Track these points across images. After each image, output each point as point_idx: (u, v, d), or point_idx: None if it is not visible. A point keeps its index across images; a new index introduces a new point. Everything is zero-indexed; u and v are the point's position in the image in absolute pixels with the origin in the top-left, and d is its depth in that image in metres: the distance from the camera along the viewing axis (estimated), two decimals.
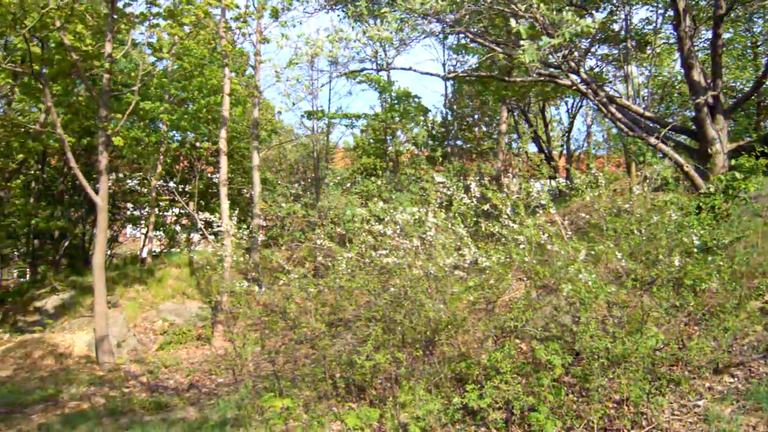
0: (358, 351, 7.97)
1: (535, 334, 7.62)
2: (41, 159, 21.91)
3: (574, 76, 12.39)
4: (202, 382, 12.18)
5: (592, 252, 8.08)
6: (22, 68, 14.09)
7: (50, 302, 17.75)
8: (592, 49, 17.78)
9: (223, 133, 16.46)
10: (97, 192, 13.99)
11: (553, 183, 9.74)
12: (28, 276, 25.33)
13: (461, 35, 16.03)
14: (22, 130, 16.59)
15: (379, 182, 11.54)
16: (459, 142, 25.28)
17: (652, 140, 11.48)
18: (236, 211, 13.59)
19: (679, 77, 20.84)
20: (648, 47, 18.89)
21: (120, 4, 14.28)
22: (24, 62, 14.50)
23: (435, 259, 8.07)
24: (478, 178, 9.61)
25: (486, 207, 9.07)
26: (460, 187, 9.03)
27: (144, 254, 23.30)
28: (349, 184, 17.89)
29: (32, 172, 22.03)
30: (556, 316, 7.84)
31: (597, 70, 19.49)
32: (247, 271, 11.75)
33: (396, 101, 22.40)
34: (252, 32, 17.35)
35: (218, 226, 13.21)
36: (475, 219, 8.87)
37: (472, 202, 8.81)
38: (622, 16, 17.16)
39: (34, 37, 13.62)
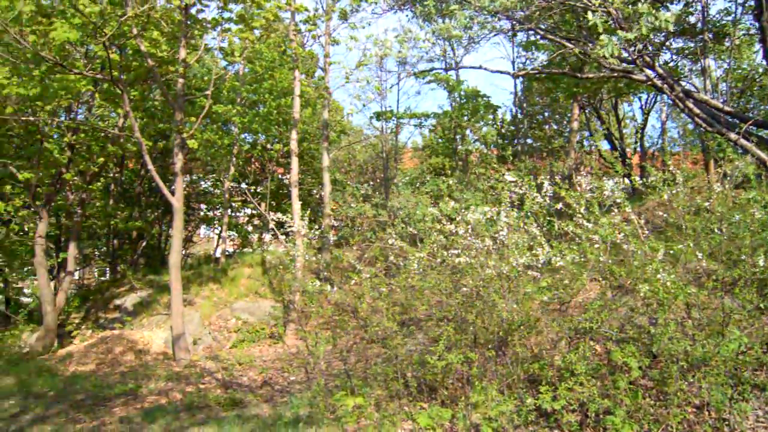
0: (430, 351, 7.95)
1: (610, 336, 7.46)
2: (120, 162, 22.68)
3: (649, 71, 12.05)
4: (275, 380, 12.34)
5: (671, 252, 7.85)
6: (102, 75, 14.59)
7: (129, 300, 18.36)
8: (668, 43, 17.26)
9: (294, 135, 16.68)
10: (173, 193, 14.37)
11: (627, 181, 9.53)
12: (108, 275, 26.28)
13: (530, 32, 15.82)
14: (102, 134, 17.17)
15: (450, 182, 11.45)
16: (529, 141, 24.97)
17: (732, 136, 11.06)
18: (308, 212, 13.73)
19: (761, 70, 20.04)
20: (726, 39, 18.22)
21: (193, 11, 14.62)
22: (104, 69, 15.02)
23: (507, 259, 7.99)
24: (549, 176, 9.48)
25: (559, 206, 8.93)
26: (533, 185, 8.92)
27: (218, 254, 23.83)
28: (418, 184, 17.86)
29: (111, 175, 22.82)
30: (632, 318, 7.67)
31: (672, 64, 18.92)
32: (318, 270, 11.89)
33: (464, 100, 22.30)
34: (321, 34, 17.54)
35: (290, 227, 13.38)
36: (548, 218, 8.75)
37: (545, 201, 8.68)
38: (699, 8, 16.61)
39: (112, 45, 14.09)
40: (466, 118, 22.02)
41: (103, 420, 10.14)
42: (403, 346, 8.48)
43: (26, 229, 18.89)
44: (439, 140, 25.67)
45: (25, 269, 23.97)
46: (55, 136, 17.68)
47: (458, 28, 11.79)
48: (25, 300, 25.30)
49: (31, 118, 15.88)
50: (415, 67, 20.62)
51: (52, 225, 18.82)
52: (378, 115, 23.45)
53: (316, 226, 14.41)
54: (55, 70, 14.45)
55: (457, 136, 23.87)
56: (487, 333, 8.00)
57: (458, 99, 22.28)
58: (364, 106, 21.39)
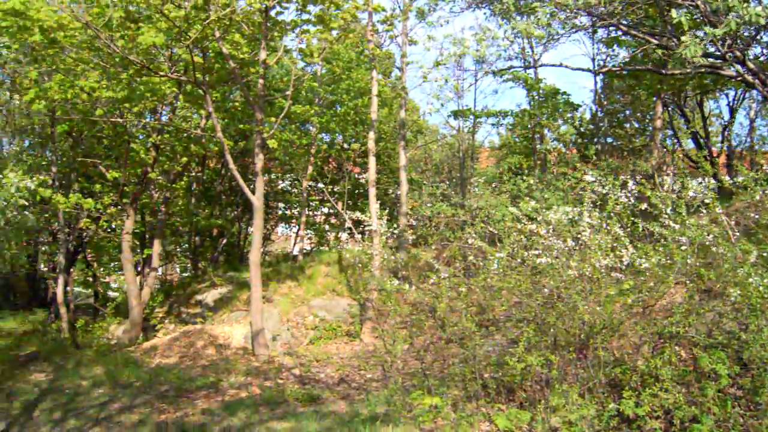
0: (510, 352, 7.86)
1: (697, 341, 7.21)
2: (201, 162, 23.31)
3: (739, 67, 11.60)
4: (352, 377, 12.45)
5: (764, 254, 7.53)
6: (186, 77, 15.00)
7: (210, 296, 18.83)
8: (758, 36, 16.55)
9: (372, 135, 16.78)
10: (253, 192, 14.66)
11: (713, 181, 9.19)
12: (189, 271, 27.06)
13: (612, 28, 15.43)
14: (185, 135, 17.67)
15: (531, 181, 11.29)
16: (609, 139, 24.38)
17: None
18: (386, 211, 13.79)
19: None
20: None
21: (272, 13, 14.87)
22: (187, 72, 15.44)
23: (590, 260, 7.82)
24: (631, 176, 9.22)
25: (643, 206, 8.69)
26: (616, 185, 8.71)
27: (296, 252, 24.19)
28: (494, 184, 17.70)
29: (193, 174, 23.47)
30: (720, 323, 7.39)
31: (763, 58, 18.10)
32: (396, 269, 11.92)
33: (543, 98, 21.97)
34: (398, 34, 17.57)
35: (367, 226, 13.46)
36: (631, 219, 8.53)
37: (629, 200, 8.45)
38: None
39: (196, 48, 14.47)
40: (545, 116, 21.65)
41: (186, 411, 10.46)
42: (481, 347, 8.42)
43: (113, 226, 19.64)
44: (516, 139, 25.37)
45: (112, 264, 24.97)
46: (141, 137, 18.33)
47: (539, 26, 11.63)
48: (111, 294, 26.33)
49: (119, 120, 16.49)
50: (494, 65, 20.47)
51: (137, 222, 19.49)
52: (455, 114, 23.36)
53: (395, 225, 14.49)
54: (141, 74, 14.95)
55: (536, 135, 23.53)
56: (568, 335, 7.85)
57: (537, 97, 21.96)
58: (442, 105, 21.38)
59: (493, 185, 16.77)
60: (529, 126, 22.85)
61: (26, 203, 15.02)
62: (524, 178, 11.93)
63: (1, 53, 16.70)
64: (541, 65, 18.72)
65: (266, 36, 14.73)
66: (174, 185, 19.16)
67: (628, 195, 8.54)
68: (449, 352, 9.52)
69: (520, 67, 21.69)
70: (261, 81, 14.95)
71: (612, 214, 8.44)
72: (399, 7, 17.72)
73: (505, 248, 8.68)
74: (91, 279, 23.86)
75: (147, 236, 22.07)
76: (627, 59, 20.35)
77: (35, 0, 14.57)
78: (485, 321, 9.24)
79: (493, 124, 24.63)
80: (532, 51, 22.82)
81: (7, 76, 18.25)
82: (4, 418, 10.59)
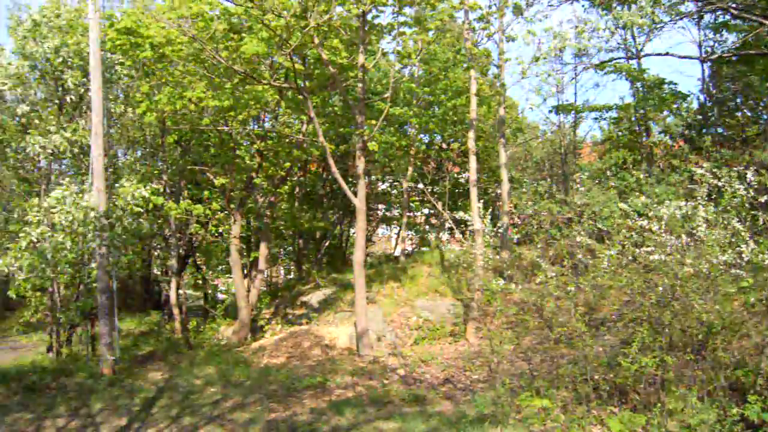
0: (623, 352, 7.60)
1: None
2: (303, 166, 23.77)
3: None
4: (457, 378, 12.38)
5: None
6: (288, 84, 15.34)
7: (314, 297, 19.18)
8: None
9: (472, 134, 16.63)
10: (355, 195, 14.82)
11: None
12: (293, 273, 27.67)
13: (718, 12, 14.70)
14: (287, 140, 18.07)
15: (640, 176, 10.89)
16: (719, 130, 23.22)
17: None
18: (489, 210, 13.66)
19: None
20: None
21: (369, 17, 14.99)
22: (287, 79, 15.79)
23: (706, 257, 7.45)
24: (746, 166, 8.71)
25: (763, 198, 8.20)
26: (732, 177, 8.26)
27: (397, 253, 24.30)
28: (597, 180, 17.18)
29: (296, 178, 23.98)
30: None
31: None
32: (501, 269, 11.77)
33: (646, 90, 21.18)
34: (495, 31, 17.34)
35: (469, 225, 13.36)
36: (751, 212, 8.07)
37: (749, 193, 8.00)
38: None
39: (296, 55, 14.78)
40: (650, 108, 20.85)
41: (295, 410, 10.68)
42: (591, 347, 8.18)
43: (221, 231, 20.33)
44: (619, 133, 24.56)
45: (220, 268, 25.82)
46: (246, 144, 18.89)
47: (643, 15, 11.23)
48: (219, 296, 27.25)
49: (225, 128, 17.05)
50: (595, 57, 19.90)
51: (243, 227, 20.07)
52: (557, 109, 22.86)
53: (499, 224, 14.29)
54: (245, 82, 15.41)
55: (639, 127, 22.71)
56: (684, 336, 7.52)
57: (641, 89, 21.19)
58: (544, 100, 20.82)
59: (597, 181, 16.27)
60: (633, 118, 22.08)
61: (141, 210, 15.77)
62: (632, 172, 11.51)
63: (116, 69, 17.58)
64: (644, 55, 18.06)
65: (364, 40, 14.86)
66: (278, 190, 19.63)
67: (747, 187, 8.07)
68: (557, 352, 9.31)
69: (623, 58, 20.98)
70: (360, 84, 15.09)
71: (729, 207, 8.02)
72: (495, 4, 17.49)
73: (614, 245, 8.40)
74: (200, 282, 24.76)
75: (252, 240, 22.70)
76: (737, 44, 19.36)
77: (145, 18, 15.31)
78: (594, 321, 8.97)
79: (595, 119, 23.91)
80: (635, 41, 22.06)
81: (121, 91, 19.19)
82: (126, 414, 11.15)
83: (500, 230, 16.10)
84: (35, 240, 14.02)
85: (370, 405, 10.73)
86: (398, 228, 25.00)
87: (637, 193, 9.04)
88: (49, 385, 13.43)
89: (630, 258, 8.18)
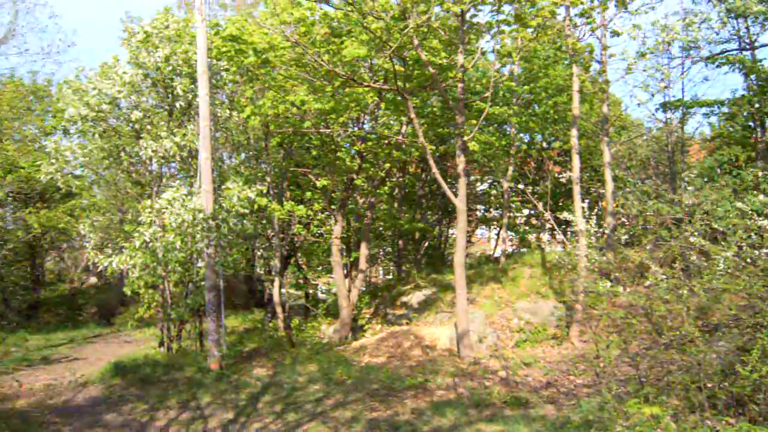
0: (741, 360, 7.21)
1: None
2: (402, 167, 23.90)
3: None
4: (560, 382, 12.13)
5: None
6: (388, 86, 15.46)
7: (414, 298, 19.23)
8: None
9: (574, 131, 16.24)
10: (456, 195, 14.76)
11: None
12: (392, 273, 27.84)
13: None
14: (386, 142, 18.21)
15: (759, 173, 10.31)
16: None
17: None
18: (595, 210, 13.28)
19: None
20: None
21: (468, 16, 14.88)
22: (386, 80, 15.90)
23: None
24: None
25: None
26: None
27: (498, 254, 24.06)
28: (707, 179, 16.37)
29: (395, 179, 24.14)
30: None
31: None
32: (606, 271, 11.43)
33: (761, 83, 20.04)
34: (598, 26, 16.85)
35: (572, 226, 13.04)
36: None
37: None
38: None
39: (395, 56, 14.86)
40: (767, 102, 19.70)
41: (397, 410, 10.75)
42: (705, 354, 7.81)
43: (322, 231, 20.68)
44: (731, 129, 23.37)
45: (320, 268, 26.32)
46: (347, 146, 19.16)
47: (759, 1, 10.65)
48: (320, 296, 27.74)
49: (326, 130, 17.35)
50: (706, 50, 19.01)
51: (343, 227, 20.35)
52: (664, 106, 22.00)
53: (605, 224, 13.87)
54: (346, 85, 15.62)
55: (753, 123, 21.52)
56: None
57: (755, 82, 20.08)
58: (652, 96, 20.05)
59: (707, 179, 15.52)
60: (747, 113, 20.96)
61: (245, 212, 16.26)
62: (753, 170, 10.92)
63: (221, 75, 18.20)
64: (759, 46, 17.02)
65: (463, 40, 14.78)
66: (377, 191, 19.81)
67: None
68: (668, 358, 8.94)
69: (736, 49, 19.93)
70: (460, 85, 15.01)
71: None
72: None
73: (731, 247, 7.99)
74: (301, 281, 25.27)
75: (352, 240, 22.99)
76: None
77: (249, 25, 15.78)
78: (708, 326, 8.56)
79: (705, 114, 22.81)
80: (748, 31, 20.93)
81: (226, 96, 19.85)
82: (232, 408, 11.54)
83: (605, 231, 15.65)
84: (148, 240, 14.71)
85: (472, 407, 10.68)
86: (498, 229, 24.71)
87: (755, 192, 8.55)
88: (160, 378, 14.08)
89: (749, 260, 7.76)
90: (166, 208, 14.68)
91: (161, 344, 17.04)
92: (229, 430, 10.32)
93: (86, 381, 14.34)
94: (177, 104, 17.34)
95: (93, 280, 39.24)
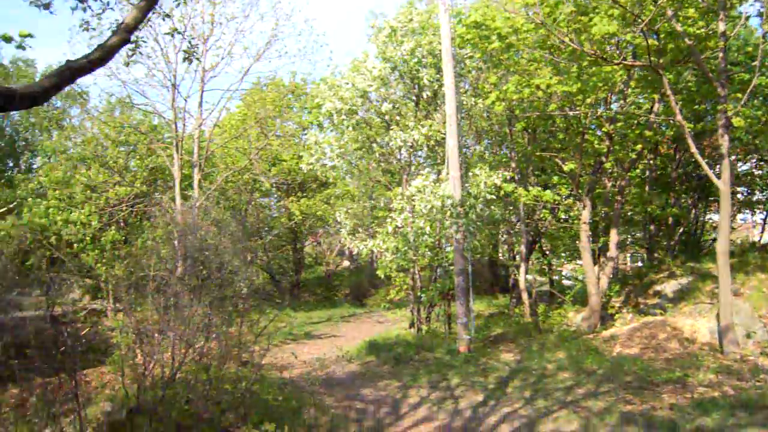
0: None
1: None
2: (654, 148, 22.57)
3: None
4: None
5: None
6: (640, 62, 14.67)
7: (668, 287, 18.07)
8: None
9: None
10: (718, 176, 13.65)
11: None
12: (643, 260, 26.49)
13: None
14: (636, 121, 17.31)
15: None
16: None
17: None
18: None
19: None
20: None
21: None
22: (635, 56, 15.09)
23: None
24: None
25: None
26: None
27: (765, 241, 21.92)
28: None
29: (645, 161, 22.87)
30: None
31: None
32: None
33: None
34: None
35: None
36: None
37: None
38: None
39: (646, 30, 14.02)
40: None
41: (653, 404, 10.26)
42: None
43: (568, 217, 20.22)
44: None
45: (565, 254, 25.78)
46: (594, 128, 18.50)
47: None
48: (565, 282, 27.22)
49: (573, 113, 16.90)
50: None
51: (591, 212, 19.74)
52: None
53: None
54: (594, 64, 15.06)
55: None
56: None
57: None
58: None
59: None
60: None
61: (492, 197, 16.42)
62: None
63: (465, 63, 18.47)
64: None
65: (725, 5, 13.55)
66: (628, 173, 18.94)
67: None
68: None
69: None
70: (721, 55, 13.79)
71: None
72: None
73: None
74: (546, 268, 24.93)
75: (600, 226, 22.22)
76: None
77: (491, 10, 15.82)
78: None
79: None
80: None
81: (469, 83, 20.11)
82: (482, 391, 11.76)
83: None
84: (399, 225, 15.42)
85: (740, 408, 9.80)
86: (764, 213, 22.44)
87: None
88: (412, 357, 14.77)
89: None
90: (417, 195, 15.27)
91: (411, 325, 17.82)
92: (478, 412, 10.53)
93: (350, 357, 15.48)
94: (423, 94, 17.93)
95: (346, 263, 42.16)
